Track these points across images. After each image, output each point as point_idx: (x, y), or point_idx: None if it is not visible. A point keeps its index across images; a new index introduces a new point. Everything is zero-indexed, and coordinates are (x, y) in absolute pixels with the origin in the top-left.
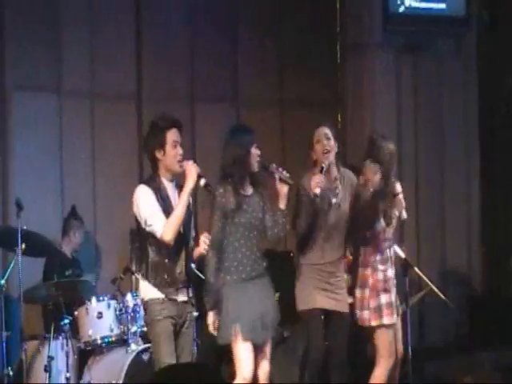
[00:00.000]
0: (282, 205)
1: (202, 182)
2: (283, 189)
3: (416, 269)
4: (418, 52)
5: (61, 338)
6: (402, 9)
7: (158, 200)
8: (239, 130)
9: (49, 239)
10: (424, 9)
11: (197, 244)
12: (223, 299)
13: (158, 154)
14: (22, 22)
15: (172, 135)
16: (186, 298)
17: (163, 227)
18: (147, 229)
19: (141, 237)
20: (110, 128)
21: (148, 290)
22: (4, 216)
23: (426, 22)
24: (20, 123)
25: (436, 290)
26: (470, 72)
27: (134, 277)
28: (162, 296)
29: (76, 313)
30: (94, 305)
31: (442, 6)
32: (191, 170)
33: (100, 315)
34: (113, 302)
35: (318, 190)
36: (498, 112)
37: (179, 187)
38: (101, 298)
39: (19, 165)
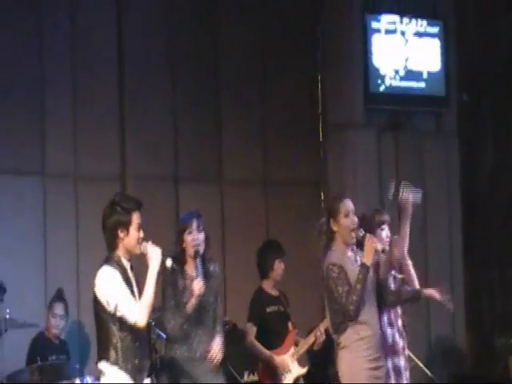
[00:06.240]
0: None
1: (169, 262)
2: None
3: None
4: (399, 130)
5: None
6: (382, 88)
7: (124, 282)
8: (183, 214)
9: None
10: (404, 88)
11: None
12: (168, 378)
13: (121, 234)
14: (5, 105)
15: (137, 218)
16: None
17: (137, 313)
18: (118, 314)
19: (104, 321)
20: (94, 210)
21: (116, 379)
22: None
23: (407, 101)
24: (3, 206)
25: (421, 365)
26: (450, 150)
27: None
28: None
29: None
30: None
31: (422, 85)
32: (156, 251)
33: None
34: None
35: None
36: (479, 190)
37: (132, 268)
38: (85, 381)
39: (2, 248)
